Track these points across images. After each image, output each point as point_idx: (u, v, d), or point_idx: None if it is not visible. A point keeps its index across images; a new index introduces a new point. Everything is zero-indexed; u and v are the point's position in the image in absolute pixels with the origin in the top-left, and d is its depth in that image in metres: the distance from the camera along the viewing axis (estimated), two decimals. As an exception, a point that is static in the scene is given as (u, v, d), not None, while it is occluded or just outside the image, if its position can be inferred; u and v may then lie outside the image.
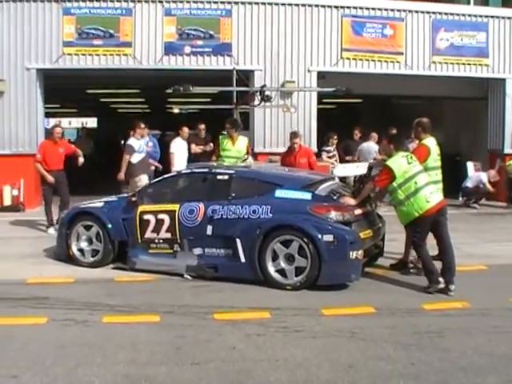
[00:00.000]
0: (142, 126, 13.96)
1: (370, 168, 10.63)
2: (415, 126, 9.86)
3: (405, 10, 18.35)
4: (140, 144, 13.59)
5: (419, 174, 8.82)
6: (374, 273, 9.63)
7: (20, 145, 16.87)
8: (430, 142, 9.73)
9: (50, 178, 13.34)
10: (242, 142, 13.01)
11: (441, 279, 8.56)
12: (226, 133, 13.08)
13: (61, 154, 13.76)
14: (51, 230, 13.21)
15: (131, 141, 13.46)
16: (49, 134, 13.88)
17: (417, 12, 18.44)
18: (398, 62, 18.31)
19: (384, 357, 6.11)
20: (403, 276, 9.47)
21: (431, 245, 8.99)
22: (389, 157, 9.04)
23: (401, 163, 8.82)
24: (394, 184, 8.73)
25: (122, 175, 13.10)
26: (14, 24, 16.97)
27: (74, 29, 17.06)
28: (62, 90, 21.13)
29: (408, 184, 8.69)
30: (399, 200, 8.76)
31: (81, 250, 10.12)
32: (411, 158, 8.99)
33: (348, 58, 18.04)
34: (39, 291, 8.49)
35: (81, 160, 13.87)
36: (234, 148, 12.75)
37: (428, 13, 18.49)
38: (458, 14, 18.77)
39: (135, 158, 13.22)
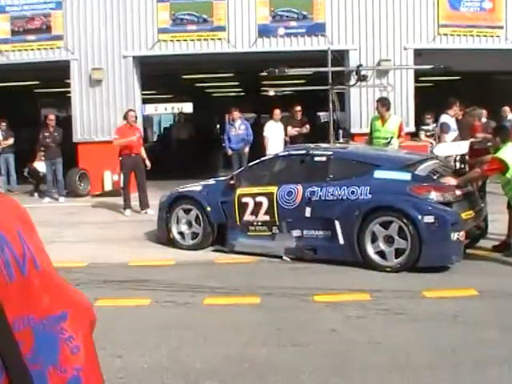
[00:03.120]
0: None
1: (471, 146, 10.33)
2: None
3: (505, -19, 17.61)
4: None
5: None
6: (476, 254, 9.38)
7: (119, 131, 17.23)
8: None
9: (130, 139, 13.71)
10: (393, 122, 12.35)
11: None
12: (376, 113, 12.86)
13: (138, 138, 14.13)
14: (128, 212, 13.87)
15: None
16: (124, 118, 14.24)
17: (518, -17, 17.64)
18: (497, 36, 17.62)
19: (487, 341, 5.95)
20: (506, 258, 9.20)
21: None
22: (496, 150, 8.78)
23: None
24: (508, 175, 8.50)
25: None
26: (111, 13, 17.38)
27: (169, 15, 17.28)
28: (158, 76, 21.48)
29: None
30: None
31: (181, 233, 10.29)
32: None
33: (445, 34, 17.49)
34: (141, 274, 8.71)
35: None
36: (384, 129, 12.16)
37: (530, -17, 17.66)
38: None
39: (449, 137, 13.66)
